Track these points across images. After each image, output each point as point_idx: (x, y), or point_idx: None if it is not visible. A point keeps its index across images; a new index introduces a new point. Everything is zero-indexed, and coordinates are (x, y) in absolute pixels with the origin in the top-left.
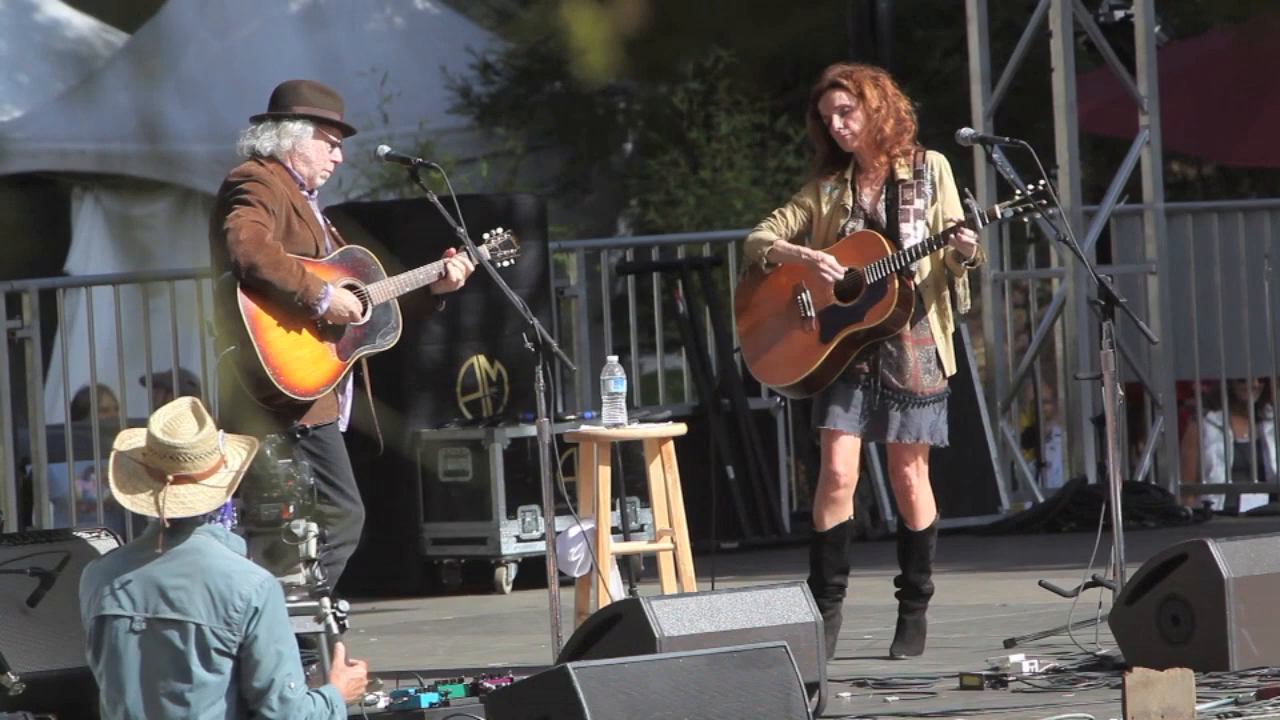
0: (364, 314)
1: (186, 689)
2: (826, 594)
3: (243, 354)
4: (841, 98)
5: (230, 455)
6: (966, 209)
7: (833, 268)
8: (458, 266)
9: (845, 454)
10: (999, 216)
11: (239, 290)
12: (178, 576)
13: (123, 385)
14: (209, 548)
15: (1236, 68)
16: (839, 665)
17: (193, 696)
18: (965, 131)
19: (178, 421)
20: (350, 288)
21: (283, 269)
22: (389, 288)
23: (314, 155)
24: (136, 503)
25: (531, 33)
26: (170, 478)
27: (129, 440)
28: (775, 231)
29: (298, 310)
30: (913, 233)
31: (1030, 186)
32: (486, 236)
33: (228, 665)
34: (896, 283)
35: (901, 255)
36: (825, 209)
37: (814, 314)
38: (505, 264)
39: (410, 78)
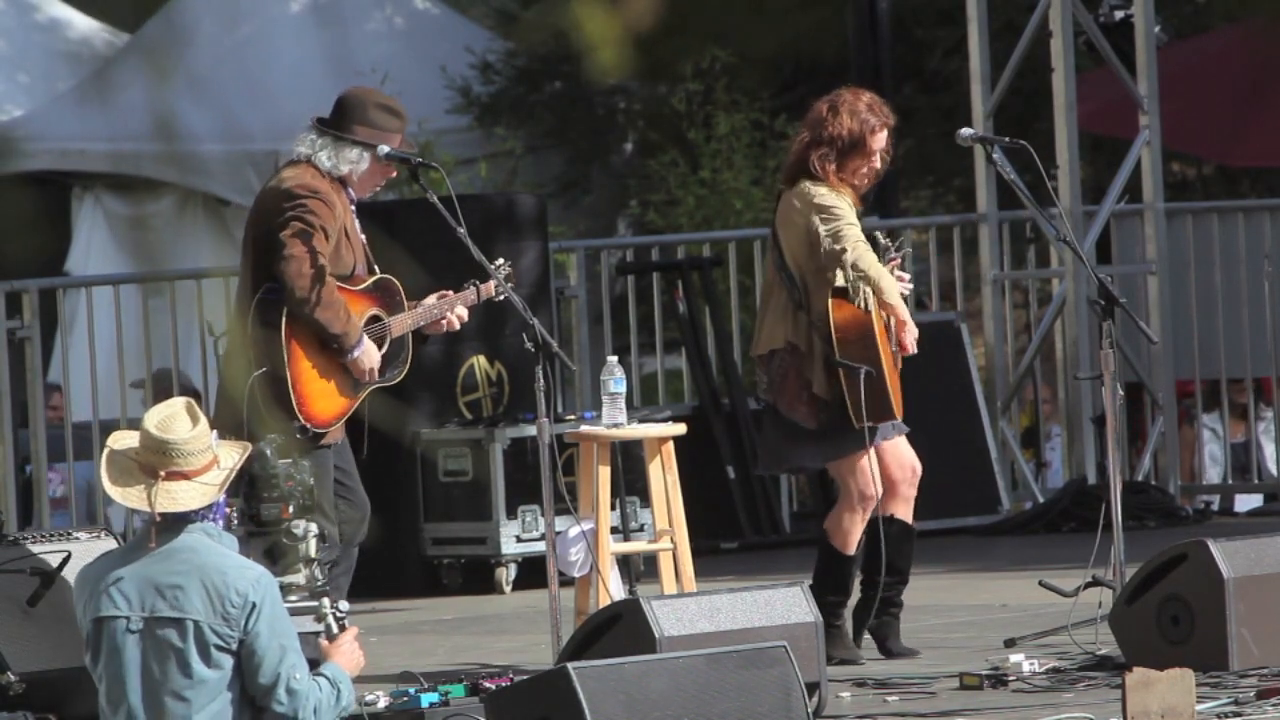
0: (383, 348)
1: (186, 686)
2: (846, 607)
3: (273, 378)
4: (887, 143)
5: (224, 455)
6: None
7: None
8: (460, 316)
9: (874, 471)
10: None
11: (284, 317)
12: (174, 574)
13: (122, 385)
14: (203, 545)
15: (1236, 68)
16: (839, 665)
17: (193, 693)
18: (965, 131)
19: (172, 419)
20: (375, 319)
21: (331, 310)
22: (407, 321)
23: (367, 178)
24: (128, 497)
25: (535, 32)
26: (162, 473)
27: (123, 439)
28: None
29: (330, 346)
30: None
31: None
32: (493, 269)
33: (227, 661)
34: None
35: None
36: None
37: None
38: (502, 298)
39: (410, 78)
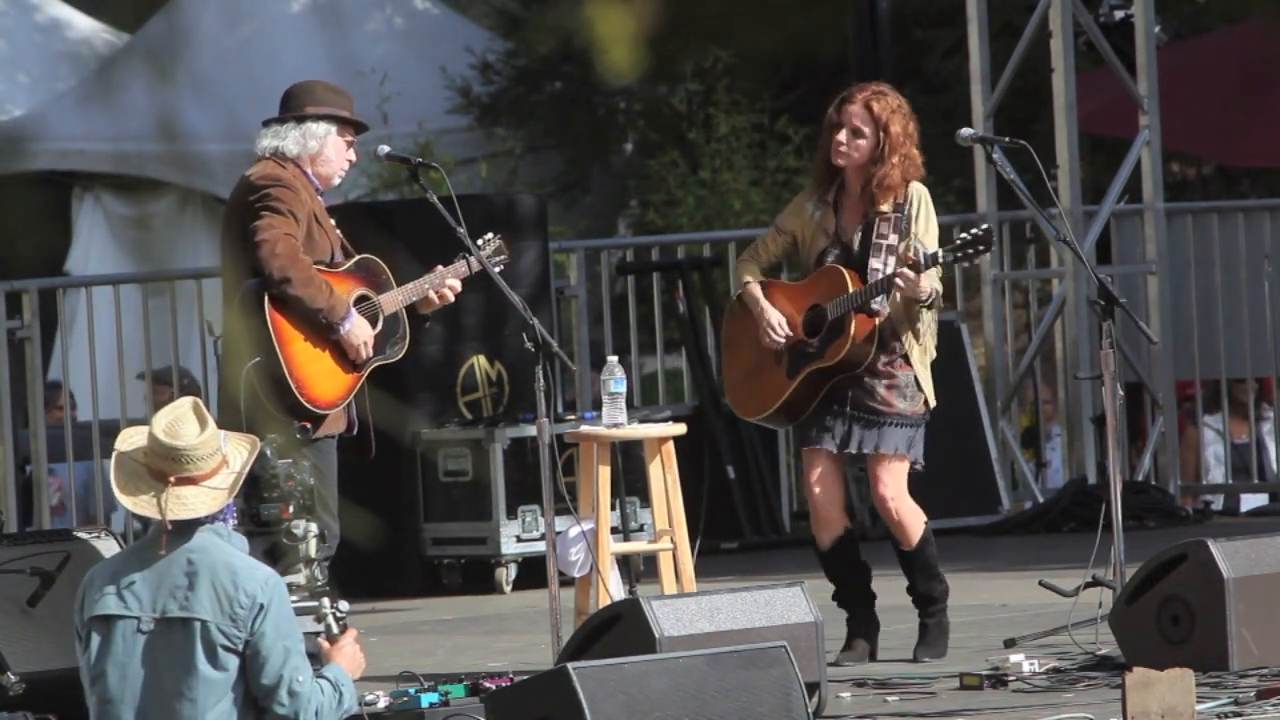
0: (376, 326)
1: (194, 687)
2: (848, 603)
3: (268, 365)
4: (861, 118)
5: (232, 456)
6: (915, 251)
7: (774, 330)
8: (451, 289)
9: (819, 473)
10: (940, 260)
11: (266, 301)
12: (183, 575)
13: (121, 385)
14: (213, 546)
15: (1236, 68)
16: (839, 665)
17: (200, 694)
18: (965, 131)
19: (179, 423)
20: (363, 298)
21: (313, 286)
22: (398, 298)
23: (334, 156)
24: (138, 504)
25: (548, 34)
26: (172, 479)
27: (130, 440)
28: (757, 262)
29: (318, 325)
30: (881, 268)
31: (972, 231)
32: (480, 243)
33: (234, 662)
34: (853, 322)
35: (860, 294)
36: (807, 231)
37: (785, 350)
38: (497, 270)
39: (410, 78)
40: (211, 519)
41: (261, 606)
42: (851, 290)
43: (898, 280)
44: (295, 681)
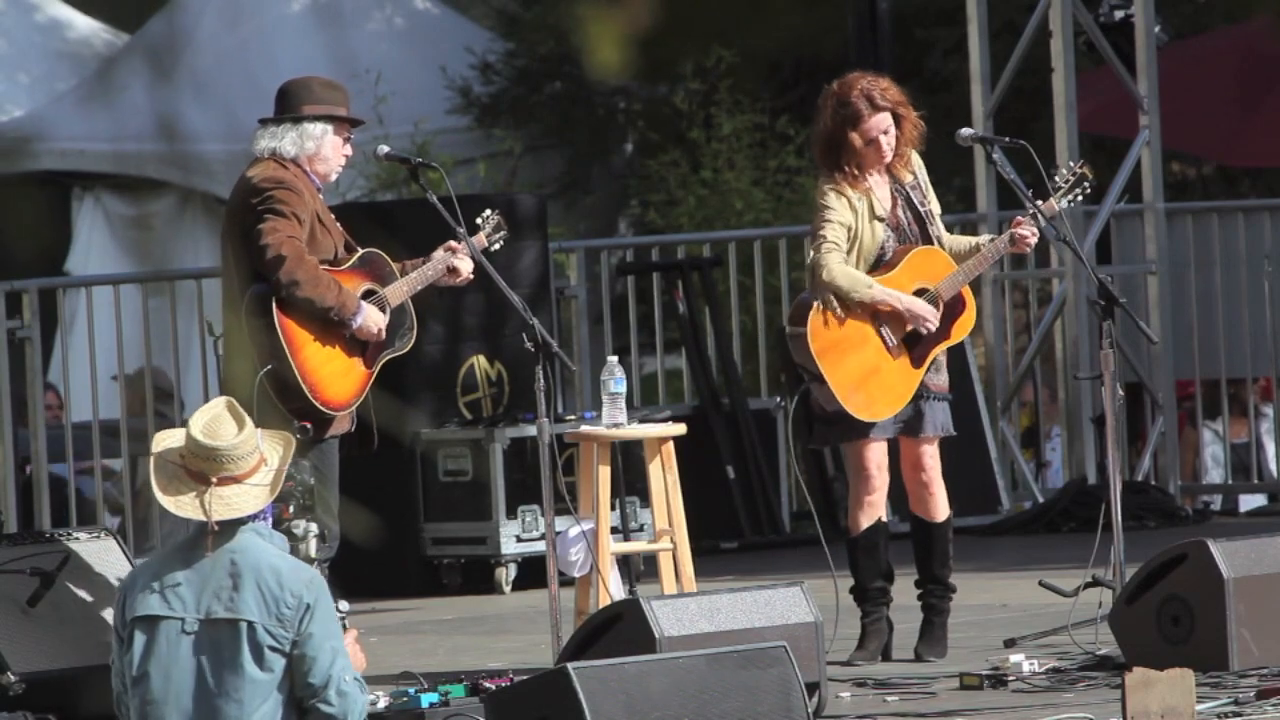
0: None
1: (240, 687)
2: (868, 599)
3: (280, 370)
4: (888, 120)
5: (269, 453)
6: (1029, 208)
7: (932, 319)
8: (465, 262)
9: (879, 459)
10: (1057, 210)
11: (274, 306)
12: (227, 576)
13: (122, 386)
14: (255, 546)
15: (1236, 68)
16: (839, 665)
17: (246, 694)
18: (965, 131)
19: (217, 422)
20: (369, 293)
21: (320, 286)
22: (403, 289)
23: (331, 154)
24: (181, 505)
25: (545, 32)
26: (214, 480)
27: (165, 441)
28: (849, 260)
29: (329, 324)
30: (943, 235)
31: (1067, 172)
32: (479, 222)
33: (279, 663)
34: (969, 294)
35: (972, 267)
36: (859, 221)
37: (898, 342)
38: (497, 246)
39: (410, 78)
40: (253, 518)
41: (308, 607)
42: (960, 265)
43: (1027, 240)
44: (344, 681)
